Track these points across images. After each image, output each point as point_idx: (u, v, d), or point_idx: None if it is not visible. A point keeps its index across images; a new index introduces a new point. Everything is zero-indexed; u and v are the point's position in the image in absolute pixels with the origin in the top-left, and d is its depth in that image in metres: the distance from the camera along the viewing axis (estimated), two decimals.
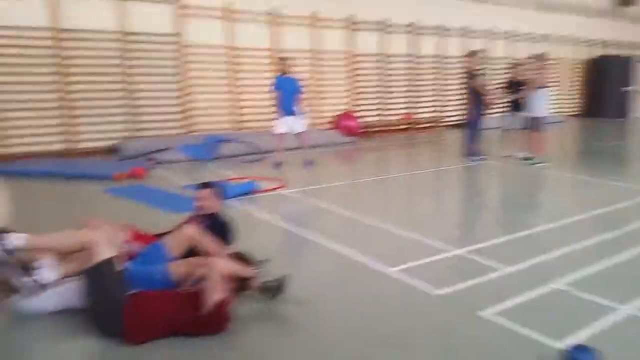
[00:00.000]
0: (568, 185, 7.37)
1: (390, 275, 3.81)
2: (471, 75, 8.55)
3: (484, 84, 8.70)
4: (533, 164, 8.30)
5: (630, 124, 15.58)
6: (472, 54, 8.73)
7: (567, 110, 17.17)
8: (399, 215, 5.64)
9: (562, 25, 16.02)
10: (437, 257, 4.17)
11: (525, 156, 8.53)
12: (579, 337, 2.85)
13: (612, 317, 3.13)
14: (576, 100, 17.58)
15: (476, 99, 8.56)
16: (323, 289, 3.57)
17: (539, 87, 8.23)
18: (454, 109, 13.95)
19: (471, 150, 8.79)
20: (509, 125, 9.35)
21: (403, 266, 3.94)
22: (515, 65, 9.32)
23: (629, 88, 16.77)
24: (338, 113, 11.59)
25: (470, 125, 8.76)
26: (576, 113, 17.46)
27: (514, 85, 9.02)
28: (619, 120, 16.61)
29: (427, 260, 4.09)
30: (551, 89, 8.84)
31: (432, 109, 13.51)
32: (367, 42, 11.95)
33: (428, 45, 13.07)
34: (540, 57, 8.43)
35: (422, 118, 13.21)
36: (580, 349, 2.48)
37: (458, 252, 4.27)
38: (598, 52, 17.41)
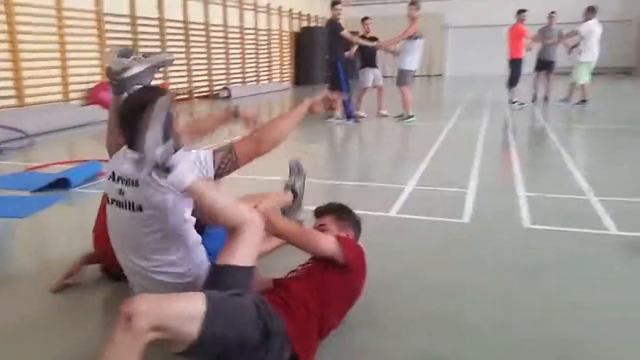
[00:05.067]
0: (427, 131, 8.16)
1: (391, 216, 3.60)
2: (337, 26, 8.15)
3: (348, 36, 8.41)
4: (405, 120, 8.49)
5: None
6: (334, 3, 8.32)
7: (285, 79, 18.59)
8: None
9: None
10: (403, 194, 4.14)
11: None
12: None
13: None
14: (290, 70, 19.17)
15: (340, 53, 8.29)
16: None
17: (411, 38, 8.23)
18: (205, 79, 13.57)
19: (349, 110, 8.43)
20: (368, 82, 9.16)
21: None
22: (363, 20, 9.35)
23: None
24: (93, 84, 9.75)
25: (340, 84, 8.23)
26: (290, 81, 19.02)
27: (366, 41, 8.94)
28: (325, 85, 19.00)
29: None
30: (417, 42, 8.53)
31: (186, 78, 12.75)
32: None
33: (176, 8, 12.17)
34: (413, 6, 8.21)
35: (177, 89, 12.33)
36: None
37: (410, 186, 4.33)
38: (304, 24, 19.33)
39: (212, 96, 13.59)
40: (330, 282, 1.98)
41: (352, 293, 2.10)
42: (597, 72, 10.25)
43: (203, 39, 13.40)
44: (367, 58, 9.08)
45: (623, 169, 5.21)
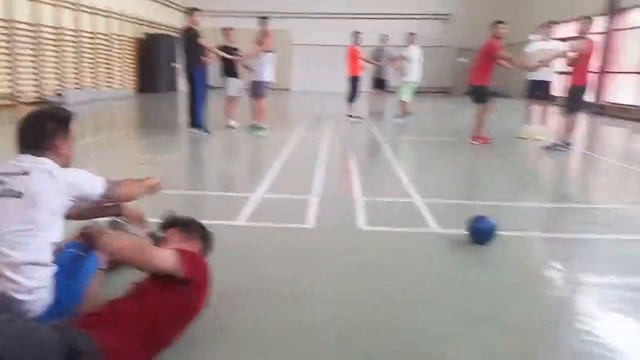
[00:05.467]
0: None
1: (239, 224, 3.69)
2: (194, 34, 7.86)
3: (208, 45, 8.16)
4: (257, 131, 8.51)
5: (178, 97, 16.92)
6: (193, 11, 7.97)
7: (126, 86, 17.65)
8: None
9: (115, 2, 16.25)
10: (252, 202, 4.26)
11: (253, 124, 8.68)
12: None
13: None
14: (133, 77, 18.26)
15: (198, 61, 7.96)
16: None
17: (265, 52, 8.31)
18: (34, 83, 12.32)
19: (199, 121, 8.16)
20: (234, 91, 9.18)
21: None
22: (226, 30, 9.14)
23: (176, 64, 18.62)
24: None
25: (196, 92, 8.04)
26: (133, 88, 18.10)
27: (228, 51, 8.80)
28: (170, 93, 18.47)
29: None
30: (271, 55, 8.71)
31: (9, 82, 11.43)
32: None
33: None
34: (263, 21, 8.34)
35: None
36: (480, 219, 3.37)
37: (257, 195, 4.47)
38: (148, 30, 18.58)
39: (42, 101, 12.39)
40: (167, 298, 1.96)
41: (193, 307, 2.07)
42: (421, 92, 11.50)
43: (31, 40, 12.19)
44: (229, 68, 9.06)
45: (443, 174, 5.97)
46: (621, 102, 14.29)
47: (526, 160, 7.42)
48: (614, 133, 11.01)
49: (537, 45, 8.63)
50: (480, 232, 3.34)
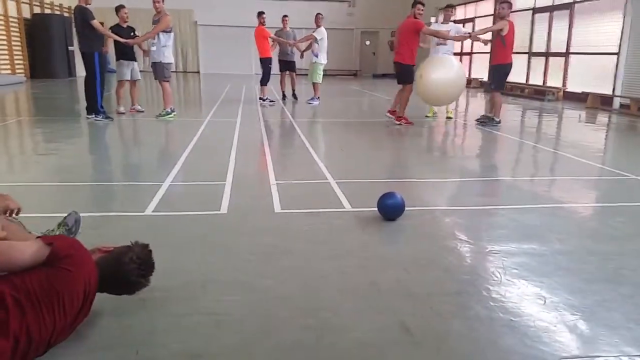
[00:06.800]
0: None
1: (147, 214, 3.53)
2: (87, 13, 7.38)
3: (99, 27, 7.61)
4: (165, 116, 8.29)
5: (78, 83, 15.64)
6: None
7: (17, 71, 16.23)
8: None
9: None
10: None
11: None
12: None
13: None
14: (23, 61, 16.80)
15: (94, 43, 7.42)
16: None
17: (167, 31, 7.98)
18: None
19: (98, 107, 7.76)
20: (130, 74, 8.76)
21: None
22: (119, 9, 8.53)
23: (72, 48, 17.35)
24: None
25: (94, 76, 7.60)
26: (24, 74, 16.67)
27: (121, 31, 8.24)
28: (69, 79, 17.23)
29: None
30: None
31: None
32: None
33: None
34: None
35: None
36: (388, 196, 3.47)
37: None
38: (36, 10, 17.12)
39: None
40: (33, 283, 1.78)
41: (70, 287, 1.85)
42: (330, 74, 11.60)
43: None
44: (124, 50, 8.56)
45: (353, 155, 6.08)
46: (515, 81, 15.33)
47: (431, 138, 7.74)
48: (509, 109, 11.79)
49: (437, 27, 8.98)
50: (390, 208, 3.45)
